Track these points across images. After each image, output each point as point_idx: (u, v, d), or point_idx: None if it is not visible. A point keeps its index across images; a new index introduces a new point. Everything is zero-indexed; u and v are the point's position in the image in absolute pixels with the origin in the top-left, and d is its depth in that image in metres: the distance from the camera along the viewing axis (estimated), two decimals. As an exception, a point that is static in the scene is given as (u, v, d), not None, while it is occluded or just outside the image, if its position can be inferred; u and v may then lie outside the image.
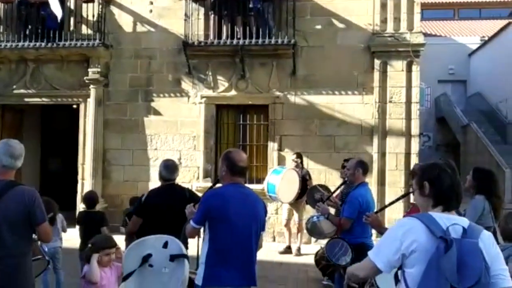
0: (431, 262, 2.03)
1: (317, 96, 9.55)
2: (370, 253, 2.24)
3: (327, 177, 9.24)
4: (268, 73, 9.69)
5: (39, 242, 3.70)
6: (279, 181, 7.83)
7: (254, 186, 8.73)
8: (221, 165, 3.38)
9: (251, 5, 9.43)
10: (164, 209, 4.09)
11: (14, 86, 10.34)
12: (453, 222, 2.13)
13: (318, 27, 9.60)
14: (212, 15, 9.74)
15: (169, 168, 4.41)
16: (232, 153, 3.42)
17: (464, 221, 2.17)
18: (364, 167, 4.90)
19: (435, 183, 2.23)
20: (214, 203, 3.24)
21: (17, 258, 3.21)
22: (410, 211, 4.28)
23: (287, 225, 8.76)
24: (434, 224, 2.10)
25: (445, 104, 20.74)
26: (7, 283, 3.16)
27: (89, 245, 3.87)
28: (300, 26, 9.54)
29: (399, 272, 2.21)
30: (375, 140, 9.28)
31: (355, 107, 9.45)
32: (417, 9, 9.38)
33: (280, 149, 9.57)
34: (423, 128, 18.87)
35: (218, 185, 3.58)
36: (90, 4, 9.88)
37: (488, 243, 2.12)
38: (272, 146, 9.62)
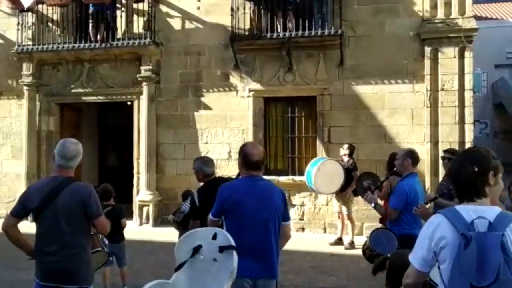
0: (454, 259, 1.99)
1: (366, 86, 9.44)
2: (409, 256, 2.22)
3: (378, 167, 9.09)
4: (316, 65, 9.65)
5: (100, 236, 3.89)
6: (315, 172, 7.83)
7: (302, 178, 8.82)
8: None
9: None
10: None
11: (72, 86, 10.85)
12: (479, 215, 2.04)
13: (365, 16, 9.45)
14: (258, 9, 9.79)
15: (209, 162, 4.51)
16: (247, 147, 3.46)
17: (493, 212, 2.06)
18: (413, 157, 4.83)
19: (451, 177, 2.22)
20: (226, 196, 3.33)
21: (75, 249, 3.39)
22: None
23: (339, 217, 8.74)
24: (458, 219, 2.05)
25: (502, 89, 19.91)
26: (66, 274, 3.35)
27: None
28: (347, 16, 9.43)
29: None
30: (427, 129, 9.07)
31: (405, 96, 9.26)
32: (469, -7, 9.07)
33: (329, 140, 9.54)
34: (479, 115, 18.21)
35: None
36: (140, 4, 10.19)
37: None
38: (321, 138, 9.60)
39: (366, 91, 9.44)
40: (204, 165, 4.48)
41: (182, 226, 4.78)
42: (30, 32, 10.80)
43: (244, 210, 3.28)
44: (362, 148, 9.29)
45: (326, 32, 9.24)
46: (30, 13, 10.74)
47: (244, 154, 3.40)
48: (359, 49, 9.48)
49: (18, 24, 10.74)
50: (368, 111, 9.41)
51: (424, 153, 8.77)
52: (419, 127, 9.18)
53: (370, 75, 9.41)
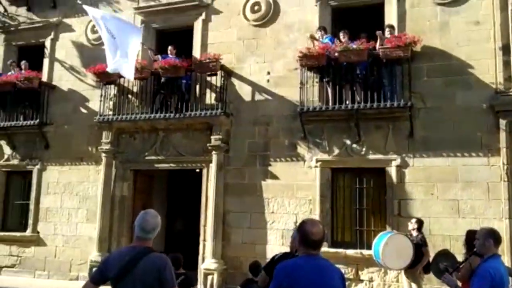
0: None
1: (437, 158, 9.20)
2: None
3: (452, 243, 8.67)
4: (384, 136, 9.59)
5: None
6: (383, 246, 7.56)
7: (370, 252, 8.52)
8: (296, 235, 3.37)
9: (364, 72, 9.59)
10: None
11: (146, 153, 11.37)
12: None
13: (436, 88, 9.39)
14: (326, 82, 10.01)
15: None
16: (306, 225, 3.37)
17: None
18: (495, 237, 4.57)
19: None
20: (284, 276, 3.20)
21: None
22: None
23: (409, 294, 8.29)
24: None
25: None
26: None
27: None
28: (416, 88, 9.41)
29: None
30: (506, 205, 8.59)
31: (480, 170, 8.91)
32: (545, 65, 8.83)
33: (399, 213, 9.25)
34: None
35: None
36: (213, 77, 10.73)
37: None
38: (391, 211, 9.34)
39: (438, 163, 9.18)
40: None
41: None
42: (111, 103, 11.60)
43: None
44: (434, 223, 8.93)
45: (396, 104, 9.22)
46: (112, 86, 11.59)
47: (303, 232, 3.34)
48: (430, 121, 9.35)
49: (101, 95, 11.58)
50: (440, 184, 9.10)
51: (502, 230, 8.26)
52: (496, 202, 8.72)
53: (442, 147, 9.18)
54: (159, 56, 11.25)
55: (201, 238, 10.70)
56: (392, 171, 9.43)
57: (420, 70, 9.52)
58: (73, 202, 11.93)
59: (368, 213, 9.74)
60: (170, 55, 11.25)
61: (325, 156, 9.94)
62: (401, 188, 9.33)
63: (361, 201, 9.81)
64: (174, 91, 11.17)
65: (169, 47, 11.33)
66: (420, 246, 7.91)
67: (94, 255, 10.93)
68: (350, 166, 9.89)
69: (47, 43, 13.01)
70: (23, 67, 12.53)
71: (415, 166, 9.33)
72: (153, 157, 11.33)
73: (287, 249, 9.53)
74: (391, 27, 9.64)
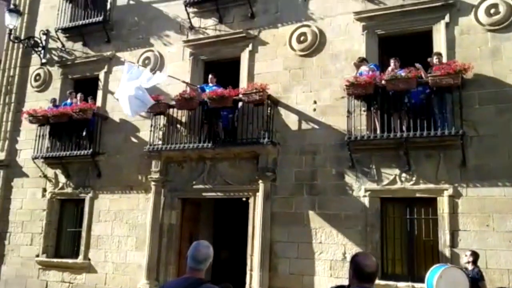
0: None
1: (493, 188, 8.85)
2: None
3: (510, 279, 8.27)
4: (435, 165, 9.34)
5: None
6: (437, 279, 7.26)
7: (423, 285, 8.21)
8: (349, 268, 3.29)
9: (413, 100, 9.46)
10: None
11: (194, 182, 11.54)
12: None
13: (489, 116, 9.13)
14: (374, 110, 9.92)
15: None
16: (359, 257, 3.29)
17: None
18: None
19: None
20: None
21: None
22: None
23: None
24: None
25: None
26: None
27: None
28: (468, 115, 9.17)
29: None
30: None
31: (539, 200, 8.52)
32: None
33: (452, 245, 8.92)
34: None
35: None
36: (260, 106, 10.84)
37: None
38: (443, 242, 9.02)
39: (493, 193, 8.84)
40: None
41: None
42: (160, 132, 11.90)
43: None
44: (491, 256, 8.54)
45: (447, 132, 9.00)
46: (161, 116, 11.92)
47: (356, 265, 3.28)
48: (483, 149, 9.06)
49: (151, 125, 11.92)
50: (496, 215, 8.74)
51: None
52: (559, 235, 8.28)
53: (497, 177, 8.85)
54: (198, 87, 11.54)
55: (248, 268, 10.64)
56: (444, 201, 9.14)
57: (472, 98, 9.29)
58: (123, 230, 12.20)
59: (420, 244, 9.44)
60: (210, 84, 11.52)
61: (374, 186, 9.77)
62: (454, 218, 9.02)
63: (412, 232, 9.54)
64: (221, 120, 11.37)
65: (210, 76, 11.64)
66: (476, 281, 7.56)
67: (143, 283, 11.07)
68: (400, 196, 9.65)
69: (101, 75, 13.60)
70: (78, 98, 13.11)
71: (469, 196, 9.01)
72: (200, 186, 11.48)
73: (335, 281, 9.41)
74: (439, 54, 9.51)
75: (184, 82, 11.66)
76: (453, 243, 8.93)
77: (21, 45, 15.00)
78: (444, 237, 9.03)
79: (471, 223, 8.89)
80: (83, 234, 12.66)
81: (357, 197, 9.87)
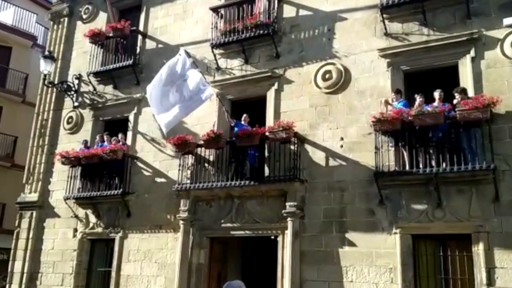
0: None
1: (529, 223, 8.62)
2: None
3: (553, 318, 7.92)
4: (468, 200, 9.15)
5: None
6: None
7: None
8: None
9: (441, 134, 9.39)
10: None
11: (222, 220, 11.55)
12: None
13: (520, 149, 8.98)
14: (402, 146, 9.86)
15: None
16: None
17: None
18: None
19: None
20: None
21: None
22: None
23: None
24: None
25: None
26: None
27: None
28: (498, 149, 9.04)
29: None
30: None
31: None
32: None
33: (489, 283, 8.62)
34: None
35: None
36: (287, 144, 10.90)
37: None
38: (480, 280, 8.73)
39: (529, 228, 8.59)
40: None
41: None
42: (189, 171, 12.04)
43: None
44: (531, 294, 8.22)
45: (477, 166, 8.86)
46: (189, 155, 12.08)
47: None
48: (516, 184, 8.86)
49: (179, 165, 12.08)
50: (535, 252, 8.46)
51: None
52: None
53: (533, 211, 8.62)
54: (234, 120, 11.69)
55: (278, 308, 10.48)
56: (479, 237, 8.91)
57: (501, 131, 9.18)
58: (152, 270, 12.21)
59: (455, 282, 9.15)
60: (243, 122, 11.67)
61: (405, 222, 9.59)
62: (489, 255, 8.75)
63: (446, 270, 9.25)
64: (249, 158, 11.46)
65: (244, 115, 11.80)
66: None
67: (172, 323, 10.99)
68: (432, 233, 9.46)
69: (131, 117, 13.96)
70: (111, 140, 13.41)
71: (504, 232, 8.76)
72: (228, 224, 11.48)
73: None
74: (462, 91, 9.43)
75: (226, 111, 11.82)
76: (490, 281, 8.63)
77: (54, 89, 15.58)
78: (480, 275, 8.75)
79: (508, 259, 8.61)
80: (113, 274, 12.72)
81: (387, 234, 9.70)
